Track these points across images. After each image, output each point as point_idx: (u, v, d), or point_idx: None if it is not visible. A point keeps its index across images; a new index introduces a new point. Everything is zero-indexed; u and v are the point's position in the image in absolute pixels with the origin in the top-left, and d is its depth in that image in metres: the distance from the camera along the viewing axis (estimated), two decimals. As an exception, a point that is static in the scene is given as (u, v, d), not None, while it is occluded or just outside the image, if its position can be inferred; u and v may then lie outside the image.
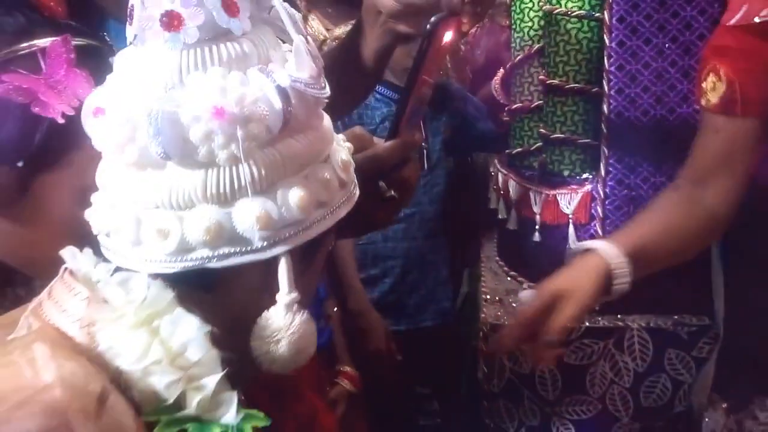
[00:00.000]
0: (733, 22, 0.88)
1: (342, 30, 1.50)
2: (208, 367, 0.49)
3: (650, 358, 1.15)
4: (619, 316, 1.18)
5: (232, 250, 0.49)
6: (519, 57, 1.27)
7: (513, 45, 1.30)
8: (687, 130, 1.11)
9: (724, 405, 1.13)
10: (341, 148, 0.57)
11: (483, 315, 1.24)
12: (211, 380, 0.48)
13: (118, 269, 0.51)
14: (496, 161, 1.40)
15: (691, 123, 1.11)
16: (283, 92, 0.49)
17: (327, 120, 0.56)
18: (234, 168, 0.48)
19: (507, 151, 1.37)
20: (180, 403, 0.48)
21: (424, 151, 1.52)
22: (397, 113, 0.68)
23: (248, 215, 0.48)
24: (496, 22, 1.32)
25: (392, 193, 0.67)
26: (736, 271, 1.16)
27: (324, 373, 1.44)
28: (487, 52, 1.62)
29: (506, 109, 1.37)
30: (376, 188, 0.66)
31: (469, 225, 1.65)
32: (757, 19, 0.86)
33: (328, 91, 0.53)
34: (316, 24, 1.56)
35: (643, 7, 1.07)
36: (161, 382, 0.47)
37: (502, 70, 1.45)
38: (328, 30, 1.56)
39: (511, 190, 1.30)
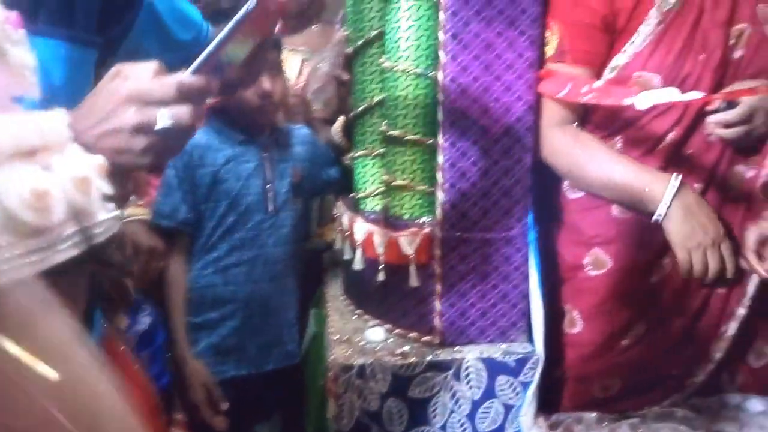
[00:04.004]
0: None
1: None
2: None
3: (484, 386, 1.26)
4: (456, 348, 1.28)
5: None
6: (360, 108, 1.35)
7: (354, 96, 1.37)
8: (508, 179, 1.25)
9: (547, 423, 1.27)
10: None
11: (332, 355, 1.27)
12: None
13: None
14: (340, 203, 1.46)
15: (512, 173, 1.25)
16: None
17: None
18: None
19: (351, 195, 1.44)
20: None
21: (269, 194, 1.52)
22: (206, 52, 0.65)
23: None
24: (337, 75, 1.39)
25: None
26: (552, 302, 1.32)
27: (163, 419, 1.38)
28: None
29: (349, 155, 1.44)
30: None
31: (314, 265, 1.68)
32: None
33: None
34: None
35: (471, 70, 1.19)
36: None
37: (342, 118, 1.52)
38: None
39: (355, 231, 1.35)
